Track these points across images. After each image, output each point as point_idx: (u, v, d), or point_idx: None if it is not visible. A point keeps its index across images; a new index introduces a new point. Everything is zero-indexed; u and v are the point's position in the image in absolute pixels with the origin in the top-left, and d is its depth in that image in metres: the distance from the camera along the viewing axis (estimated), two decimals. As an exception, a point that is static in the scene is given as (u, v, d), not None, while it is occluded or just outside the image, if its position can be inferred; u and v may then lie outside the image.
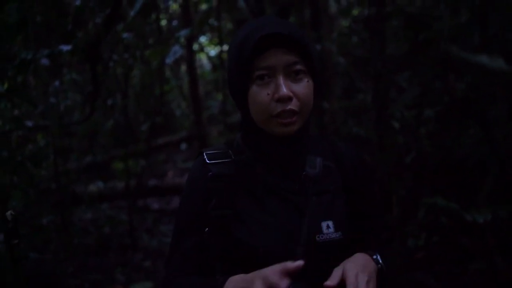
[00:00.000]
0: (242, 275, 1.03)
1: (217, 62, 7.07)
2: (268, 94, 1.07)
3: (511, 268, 3.10)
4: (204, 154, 1.15)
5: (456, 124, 3.53)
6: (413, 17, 3.23)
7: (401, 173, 3.86)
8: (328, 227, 1.12)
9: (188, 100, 7.22)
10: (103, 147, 5.89)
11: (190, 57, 5.84)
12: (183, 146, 7.52)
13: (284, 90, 1.06)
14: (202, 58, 8.97)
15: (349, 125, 4.49)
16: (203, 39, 7.62)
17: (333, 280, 1.01)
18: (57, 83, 3.47)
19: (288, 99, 1.06)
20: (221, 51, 6.60)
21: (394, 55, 4.16)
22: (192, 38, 5.61)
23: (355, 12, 5.68)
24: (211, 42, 7.61)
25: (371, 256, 1.11)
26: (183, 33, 3.45)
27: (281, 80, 1.06)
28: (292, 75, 1.08)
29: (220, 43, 6.53)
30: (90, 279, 3.71)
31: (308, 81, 1.10)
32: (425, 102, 3.87)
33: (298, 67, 1.08)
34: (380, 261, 1.11)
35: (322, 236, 1.11)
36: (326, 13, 5.23)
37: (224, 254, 1.10)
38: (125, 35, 4.08)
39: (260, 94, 1.07)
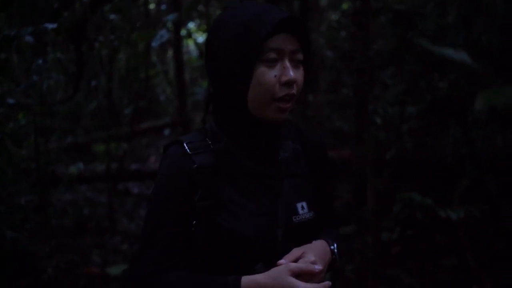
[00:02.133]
0: (254, 278, 1.06)
1: (204, 49, 7.04)
2: (275, 76, 1.08)
3: (482, 265, 3.18)
4: (185, 144, 1.12)
5: (437, 123, 3.59)
6: (401, 14, 3.26)
7: (380, 168, 3.92)
8: (302, 207, 1.16)
9: (173, 85, 7.18)
10: (85, 129, 5.84)
11: (177, 42, 5.80)
12: (167, 131, 7.48)
13: (291, 74, 1.08)
14: (190, 44, 8.91)
15: (333, 119, 4.52)
16: (191, 25, 7.57)
17: (289, 257, 1.09)
18: (40, 61, 3.42)
19: (294, 82, 1.10)
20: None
21: (382, 51, 4.20)
22: (180, 23, 5.56)
23: (345, 6, 5.70)
24: (199, 28, 7.56)
25: (330, 246, 1.19)
26: (171, 17, 3.43)
27: (288, 63, 1.09)
28: (294, 62, 1.11)
29: (208, 30, 6.48)
30: (66, 260, 3.70)
31: (303, 70, 1.14)
32: (408, 99, 3.92)
33: (299, 55, 1.12)
34: (336, 252, 1.19)
35: (298, 217, 1.15)
36: (316, 5, 5.24)
37: (212, 244, 1.10)
38: (112, 16, 4.03)
39: (268, 75, 1.08)
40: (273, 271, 1.05)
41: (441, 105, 3.40)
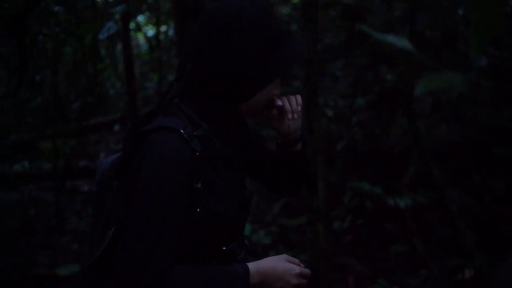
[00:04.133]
0: (258, 265, 1.12)
1: (154, 42, 6.91)
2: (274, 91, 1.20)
3: (429, 250, 3.30)
4: (182, 131, 1.09)
5: (385, 114, 3.69)
6: (349, 8, 3.32)
7: (332, 159, 4.00)
8: (248, 182, 1.27)
9: (123, 80, 7.02)
10: (30, 125, 5.62)
11: (125, 35, 5.67)
12: (117, 127, 7.32)
13: (279, 90, 1.22)
14: (140, 38, 8.74)
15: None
16: (140, 18, 7.42)
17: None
18: (-21, 55, 3.24)
19: None
20: (159, 32, 6.47)
21: (331, 44, 4.26)
22: (128, 16, 5.44)
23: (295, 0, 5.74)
24: (148, 21, 7.42)
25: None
26: (118, 9, 3.34)
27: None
28: None
29: (157, 23, 6.38)
30: (12, 262, 3.56)
31: None
32: (358, 91, 4.01)
33: None
34: None
35: (248, 191, 1.25)
36: (266, -1, 5.24)
37: (205, 228, 1.12)
38: (56, 8, 3.88)
39: (273, 90, 1.19)
40: (271, 258, 1.14)
41: (389, 97, 3.50)
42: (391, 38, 0.54)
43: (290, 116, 1.23)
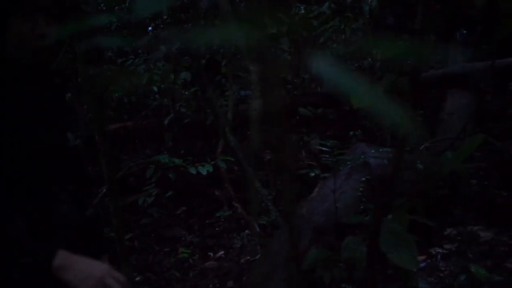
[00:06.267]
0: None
1: None
2: None
3: (249, 211, 3.51)
4: None
5: (203, 85, 3.78)
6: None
7: (161, 134, 4.02)
8: (69, 135, 1.31)
9: None
10: None
11: None
12: None
13: None
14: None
15: (109, 91, 4.47)
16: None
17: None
18: None
19: None
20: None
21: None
22: None
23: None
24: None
25: None
26: None
27: None
28: None
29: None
30: None
31: None
32: (181, 66, 4.05)
33: None
34: None
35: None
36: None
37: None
38: None
39: (35, 28, 1.17)
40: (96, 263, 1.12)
41: (204, 68, 3.59)
42: None
43: None
